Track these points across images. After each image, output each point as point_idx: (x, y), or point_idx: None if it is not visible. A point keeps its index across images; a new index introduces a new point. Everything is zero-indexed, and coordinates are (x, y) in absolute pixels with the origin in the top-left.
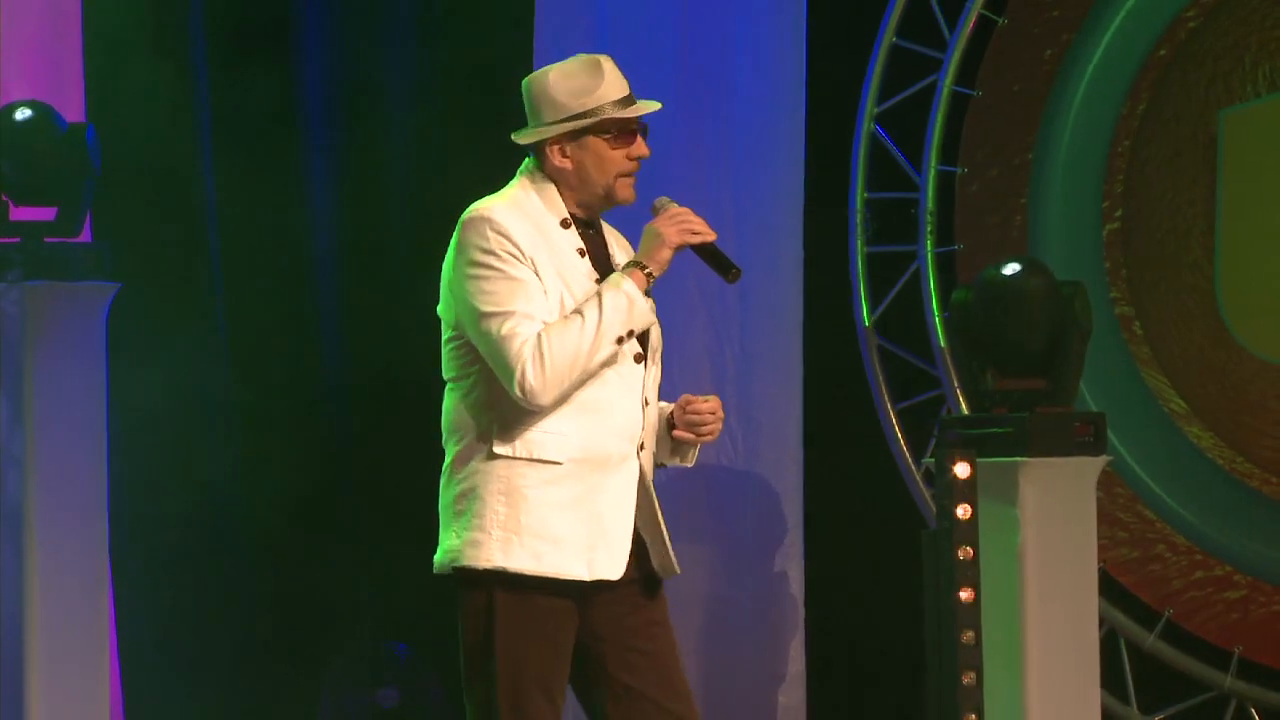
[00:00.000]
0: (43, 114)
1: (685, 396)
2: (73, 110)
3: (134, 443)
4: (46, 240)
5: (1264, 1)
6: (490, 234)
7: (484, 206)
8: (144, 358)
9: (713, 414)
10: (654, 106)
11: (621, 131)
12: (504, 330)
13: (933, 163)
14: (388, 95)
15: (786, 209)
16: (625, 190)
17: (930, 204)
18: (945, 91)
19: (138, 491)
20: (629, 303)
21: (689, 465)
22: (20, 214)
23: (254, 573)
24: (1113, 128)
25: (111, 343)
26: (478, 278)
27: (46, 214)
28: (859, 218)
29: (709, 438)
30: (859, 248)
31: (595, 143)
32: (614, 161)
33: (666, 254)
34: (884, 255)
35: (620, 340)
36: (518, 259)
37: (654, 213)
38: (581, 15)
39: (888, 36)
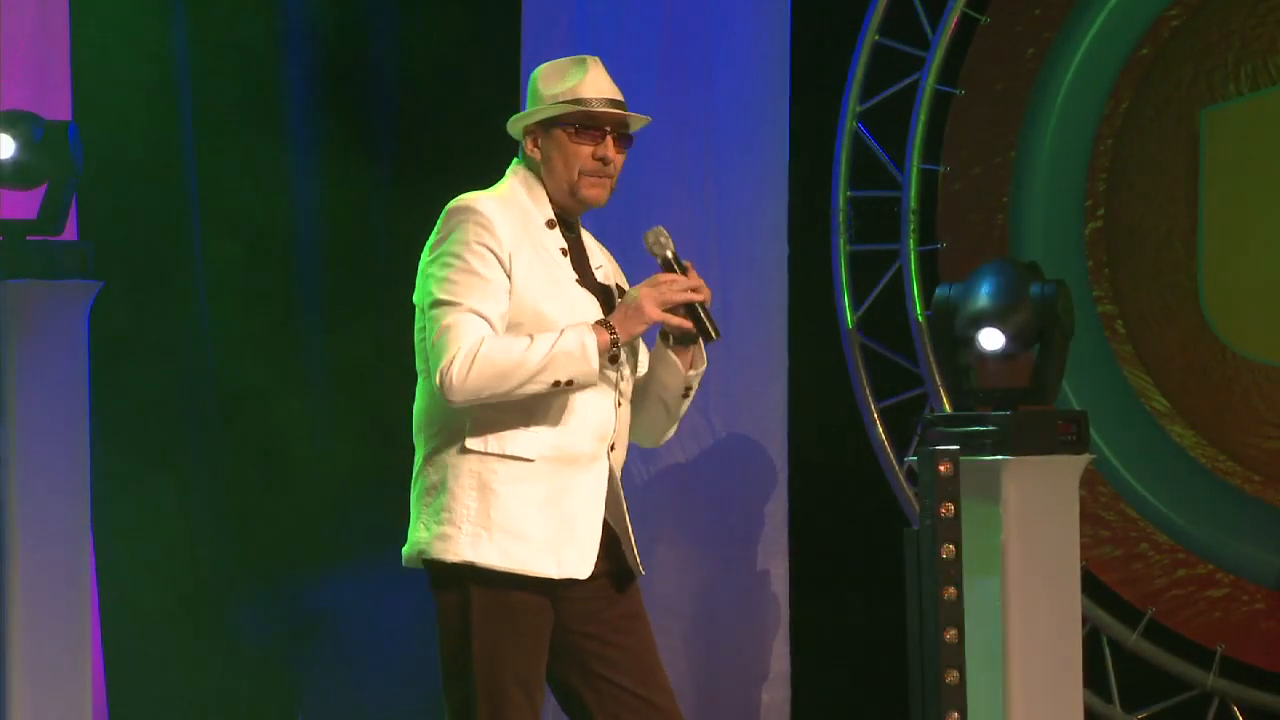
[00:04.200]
0: (23, 117)
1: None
2: (60, 107)
3: (116, 440)
4: (29, 238)
5: (1246, 0)
6: (471, 225)
7: (471, 197)
8: (127, 355)
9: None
10: (637, 117)
11: (585, 126)
12: (448, 320)
13: (915, 161)
14: (371, 94)
15: (770, 208)
16: (590, 189)
17: (913, 202)
18: (928, 90)
19: (120, 489)
20: (581, 355)
21: (702, 367)
22: (2, 212)
23: (236, 571)
24: (1095, 126)
25: (93, 340)
26: (446, 265)
27: (29, 212)
28: (841, 216)
29: (700, 297)
30: (841, 246)
31: (560, 135)
32: (576, 156)
33: (640, 329)
34: (867, 254)
35: (557, 384)
36: (492, 253)
37: (646, 244)
38: (564, 15)
39: (870, 35)
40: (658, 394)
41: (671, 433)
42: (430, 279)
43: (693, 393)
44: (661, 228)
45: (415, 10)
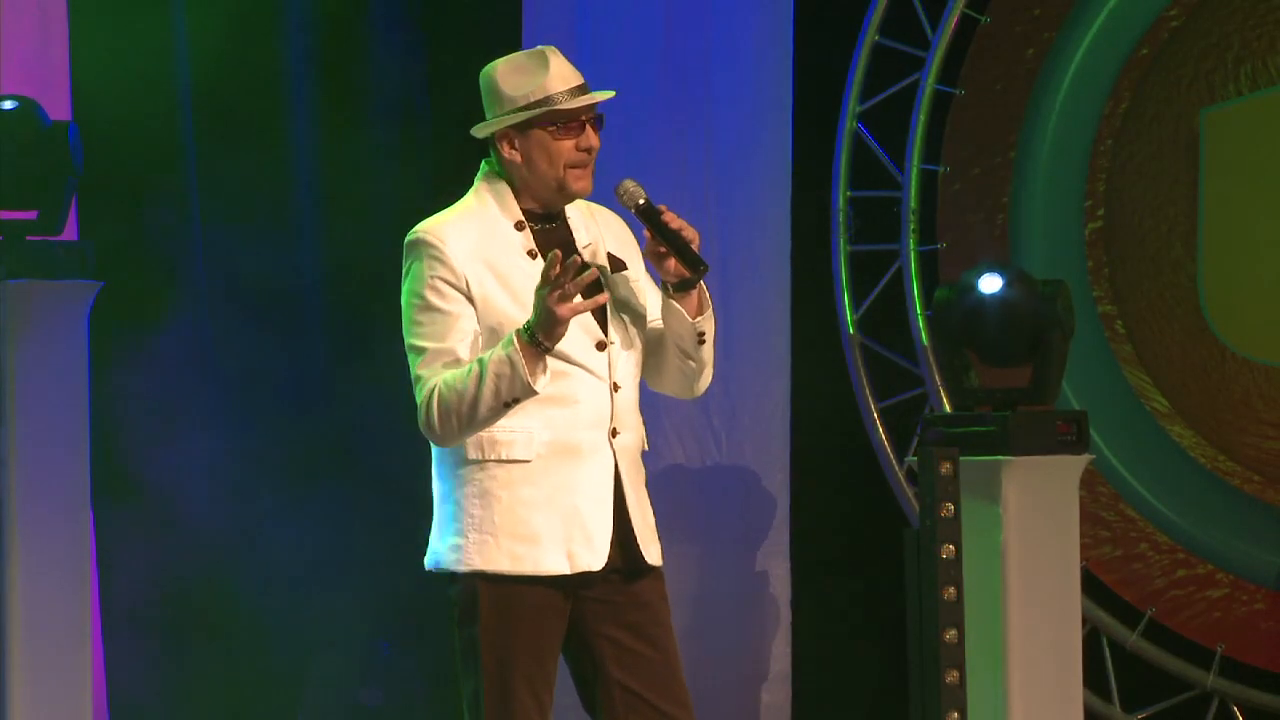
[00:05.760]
0: (25, 110)
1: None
2: (60, 107)
3: (116, 440)
4: (28, 239)
5: (1246, 0)
6: (424, 260)
7: (422, 227)
8: (126, 355)
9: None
10: (603, 96)
11: (567, 123)
12: (416, 369)
13: (915, 161)
14: (373, 95)
15: (772, 208)
16: (577, 182)
17: (913, 202)
18: (928, 90)
19: (119, 489)
20: (512, 374)
21: (708, 311)
22: (2, 212)
23: (237, 570)
24: (1095, 126)
25: (93, 340)
26: (410, 305)
27: (29, 212)
28: (841, 216)
29: (687, 232)
30: (841, 246)
31: (540, 135)
32: (561, 153)
33: (560, 328)
34: (867, 254)
35: (507, 405)
36: (447, 283)
37: (618, 198)
38: (564, 16)
39: (870, 35)
40: (674, 343)
41: (706, 378)
42: (403, 318)
43: (709, 338)
44: (629, 179)
45: (416, 6)
